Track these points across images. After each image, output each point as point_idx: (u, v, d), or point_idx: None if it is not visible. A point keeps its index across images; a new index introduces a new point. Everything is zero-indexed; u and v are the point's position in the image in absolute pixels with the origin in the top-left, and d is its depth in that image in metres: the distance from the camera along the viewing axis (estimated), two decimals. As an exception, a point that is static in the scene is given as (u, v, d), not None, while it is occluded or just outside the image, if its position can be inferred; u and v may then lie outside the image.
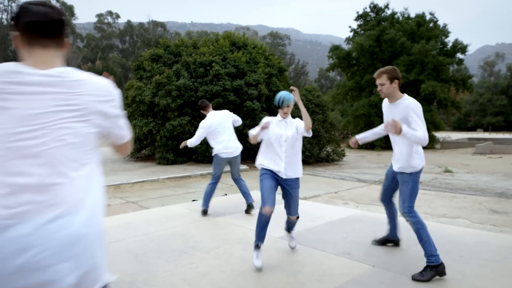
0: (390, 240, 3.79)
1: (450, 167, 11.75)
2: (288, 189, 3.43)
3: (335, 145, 14.00)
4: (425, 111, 18.38)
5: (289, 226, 3.72)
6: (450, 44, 20.27)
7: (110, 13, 74.53)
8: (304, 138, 12.68)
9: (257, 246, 3.28)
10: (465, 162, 13.47)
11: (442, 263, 2.93)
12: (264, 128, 3.39)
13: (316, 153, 12.81)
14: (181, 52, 12.55)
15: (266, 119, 3.52)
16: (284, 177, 3.40)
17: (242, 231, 4.37)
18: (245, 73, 11.91)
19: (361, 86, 21.37)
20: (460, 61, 20.55)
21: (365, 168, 12.13)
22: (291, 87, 3.51)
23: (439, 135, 22.59)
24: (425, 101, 19.01)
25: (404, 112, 3.02)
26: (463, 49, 19.87)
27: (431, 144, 19.85)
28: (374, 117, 19.58)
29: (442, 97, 18.11)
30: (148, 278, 3.10)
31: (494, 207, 5.99)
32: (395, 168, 3.26)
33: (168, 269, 3.30)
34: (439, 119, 20.35)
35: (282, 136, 3.43)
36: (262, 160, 3.51)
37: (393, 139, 3.27)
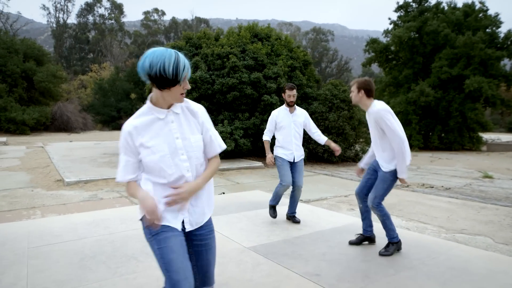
0: (366, 238, 3.71)
1: (492, 172, 10.44)
2: (199, 242, 1.85)
3: (364, 143, 13.05)
4: (470, 110, 16.81)
5: None
6: (502, 36, 18.23)
7: (156, 10, 77.04)
8: (328, 135, 12.08)
9: None
10: (512, 167, 11.98)
11: (400, 240, 3.50)
12: None
13: (341, 152, 11.97)
14: (202, 44, 12.24)
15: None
16: (191, 227, 1.80)
17: (211, 237, 3.90)
18: (265, 66, 11.35)
19: (399, 82, 19.92)
20: (513, 54, 18.42)
21: (394, 170, 11.12)
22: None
23: (487, 136, 20.50)
24: (470, 98, 17.26)
25: (376, 121, 3.32)
26: (517, 41, 17.81)
27: (476, 146, 18.04)
28: (412, 115, 18.16)
29: (490, 94, 16.25)
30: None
31: (530, 223, 5.02)
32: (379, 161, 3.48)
33: (103, 277, 2.92)
34: (486, 119, 18.42)
35: (177, 146, 1.74)
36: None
37: (376, 143, 3.48)
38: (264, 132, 4.58)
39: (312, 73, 13.23)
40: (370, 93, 3.38)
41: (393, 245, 3.47)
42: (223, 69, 11.06)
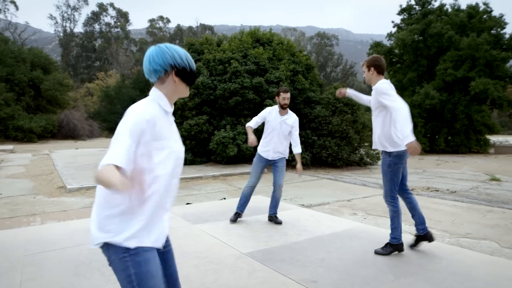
0: (421, 237, 3.50)
1: (499, 174, 10.26)
2: (165, 249, 1.64)
3: (368, 147, 12.94)
4: (476, 112, 16.60)
5: None
6: (507, 37, 18.03)
7: (161, 18, 77.73)
8: (332, 139, 12.02)
9: None
10: (520, 170, 11.76)
11: (401, 242, 3.41)
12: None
13: (345, 156, 11.87)
14: (204, 50, 12.29)
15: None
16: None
17: (209, 244, 3.84)
18: (267, 70, 11.35)
19: (403, 85, 19.78)
20: (519, 55, 18.19)
21: (399, 173, 10.98)
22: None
23: (495, 138, 20.23)
24: (476, 100, 17.06)
25: (375, 97, 3.33)
26: (522, 41, 17.60)
27: (484, 148, 17.79)
28: (417, 118, 17.98)
29: (496, 95, 16.06)
30: (64, 296, 2.69)
31: (538, 227, 4.88)
32: (376, 147, 3.44)
33: (97, 285, 2.88)
34: (493, 121, 18.18)
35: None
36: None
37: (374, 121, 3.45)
38: (251, 120, 4.57)
39: (315, 77, 13.19)
40: (380, 69, 3.34)
41: (391, 247, 3.42)
42: (225, 74, 11.07)
